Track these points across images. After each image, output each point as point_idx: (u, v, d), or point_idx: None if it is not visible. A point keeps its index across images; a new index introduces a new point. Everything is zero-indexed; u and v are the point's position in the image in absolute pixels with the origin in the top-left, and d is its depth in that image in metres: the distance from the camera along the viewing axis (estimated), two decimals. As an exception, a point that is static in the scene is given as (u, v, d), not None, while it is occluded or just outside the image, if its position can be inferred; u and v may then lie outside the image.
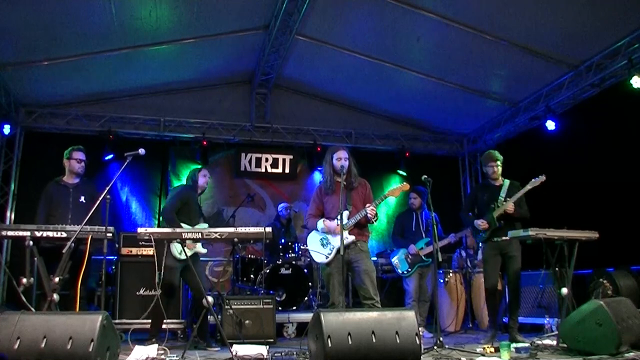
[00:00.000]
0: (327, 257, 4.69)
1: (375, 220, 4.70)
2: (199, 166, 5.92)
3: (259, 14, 7.15)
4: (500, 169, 5.59)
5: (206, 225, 5.34)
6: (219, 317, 5.27)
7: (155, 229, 4.33)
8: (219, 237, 4.23)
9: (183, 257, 4.98)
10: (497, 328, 5.50)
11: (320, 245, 4.76)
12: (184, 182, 8.71)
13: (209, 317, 5.21)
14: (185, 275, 5.25)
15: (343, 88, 9.12)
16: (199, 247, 5.32)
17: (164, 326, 5.11)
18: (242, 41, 7.76)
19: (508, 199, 5.38)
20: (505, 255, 5.41)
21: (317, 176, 9.38)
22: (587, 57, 6.97)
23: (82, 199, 5.13)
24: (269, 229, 4.25)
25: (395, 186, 4.86)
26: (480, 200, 5.64)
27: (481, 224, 5.44)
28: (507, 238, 5.19)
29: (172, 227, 4.74)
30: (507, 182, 5.57)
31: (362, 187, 4.89)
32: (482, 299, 6.67)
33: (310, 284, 7.04)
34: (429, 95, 8.66)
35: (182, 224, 5.17)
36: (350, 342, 3.26)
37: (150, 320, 5.14)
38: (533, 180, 5.23)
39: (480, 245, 5.60)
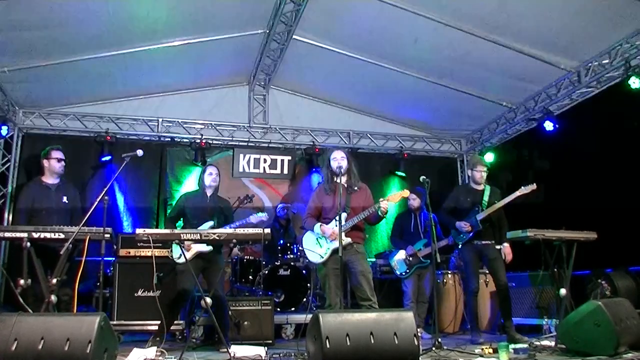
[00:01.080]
0: (322, 257, 4.70)
1: (385, 215, 4.69)
2: (203, 166, 5.57)
3: (258, 16, 7.14)
4: (485, 175, 5.73)
5: (211, 224, 5.14)
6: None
7: (154, 230, 4.32)
8: (217, 238, 4.22)
9: (182, 260, 4.92)
10: (478, 328, 5.64)
11: (316, 245, 4.76)
12: (183, 183, 8.81)
13: (207, 318, 5.21)
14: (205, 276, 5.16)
15: (341, 89, 9.12)
16: (199, 247, 5.01)
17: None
18: (240, 42, 7.75)
19: (496, 202, 5.49)
20: (485, 258, 5.55)
21: (316, 177, 9.36)
22: (585, 58, 6.98)
23: (65, 199, 5.10)
24: (267, 230, 4.23)
25: (395, 192, 4.90)
26: (463, 203, 5.71)
27: (464, 226, 5.52)
28: (486, 242, 5.46)
29: None
30: (488, 187, 5.73)
31: (362, 192, 4.89)
32: (479, 299, 6.66)
33: (309, 285, 7.03)
34: (427, 96, 8.66)
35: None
36: (348, 343, 3.25)
37: (159, 322, 5.09)
38: (523, 187, 5.30)
39: (459, 246, 5.68)
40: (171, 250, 5.08)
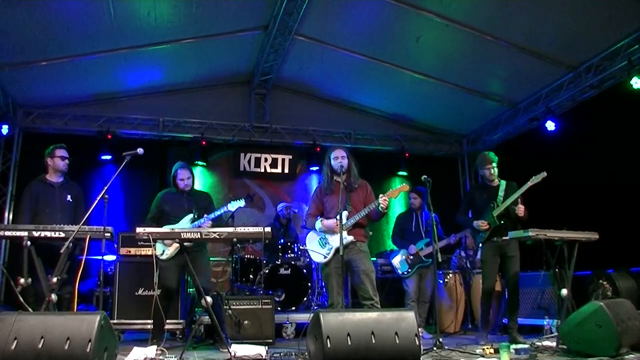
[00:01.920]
0: (325, 257, 4.68)
1: (387, 210, 4.66)
2: (179, 164, 5.48)
3: (258, 14, 7.14)
4: (496, 170, 5.60)
5: (191, 216, 5.13)
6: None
7: (154, 229, 4.31)
8: (217, 237, 4.21)
9: (164, 257, 4.95)
10: (487, 329, 5.53)
11: (319, 245, 4.75)
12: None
13: (207, 317, 5.19)
14: (188, 273, 5.15)
15: (342, 88, 9.12)
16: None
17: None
18: (241, 41, 7.75)
19: (508, 198, 5.36)
20: (504, 256, 5.42)
21: (317, 176, 9.36)
22: (587, 58, 6.97)
23: (69, 197, 5.11)
24: (268, 229, 4.22)
25: (395, 187, 4.85)
26: (479, 201, 5.63)
27: (481, 224, 5.42)
28: (507, 238, 5.20)
29: None
30: (503, 182, 5.60)
31: (362, 189, 4.88)
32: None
33: (309, 284, 7.02)
34: (428, 95, 8.66)
35: (167, 226, 5.04)
36: (349, 343, 3.24)
37: (152, 322, 5.08)
38: (534, 177, 5.20)
39: (479, 246, 5.60)
40: (154, 248, 5.03)
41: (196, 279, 4.62)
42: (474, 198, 5.74)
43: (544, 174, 5.16)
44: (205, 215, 5.09)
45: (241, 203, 5.30)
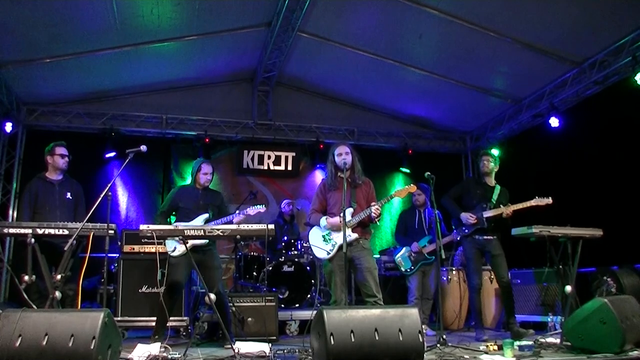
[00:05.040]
0: (328, 253, 4.66)
1: (379, 220, 4.66)
2: (202, 159, 5.45)
3: (261, 11, 7.13)
4: (491, 164, 5.64)
5: (206, 216, 5.10)
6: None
7: (157, 226, 4.30)
8: (221, 234, 4.20)
9: (176, 254, 4.88)
10: (482, 324, 5.54)
11: (322, 241, 4.73)
12: (187, 179, 8.81)
13: (211, 315, 5.19)
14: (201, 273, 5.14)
15: (345, 85, 9.11)
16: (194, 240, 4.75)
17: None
18: (244, 38, 7.75)
19: (502, 204, 5.40)
20: (488, 254, 5.46)
21: (320, 173, 9.36)
22: (591, 54, 6.94)
23: (68, 195, 5.11)
24: (271, 226, 4.21)
25: (402, 187, 4.82)
26: (472, 195, 5.62)
27: (470, 218, 5.43)
28: (490, 237, 5.35)
29: None
30: (498, 186, 5.64)
31: (366, 186, 4.86)
32: (484, 296, 6.64)
33: (312, 281, 7.02)
34: (432, 92, 8.64)
35: (181, 223, 5.04)
36: (353, 340, 3.24)
37: (155, 318, 5.08)
38: (539, 198, 5.21)
39: (458, 238, 5.59)
40: (164, 244, 4.99)
41: (209, 281, 4.63)
42: (468, 190, 5.71)
43: (549, 200, 5.19)
44: (236, 212, 5.08)
45: (261, 208, 5.31)
